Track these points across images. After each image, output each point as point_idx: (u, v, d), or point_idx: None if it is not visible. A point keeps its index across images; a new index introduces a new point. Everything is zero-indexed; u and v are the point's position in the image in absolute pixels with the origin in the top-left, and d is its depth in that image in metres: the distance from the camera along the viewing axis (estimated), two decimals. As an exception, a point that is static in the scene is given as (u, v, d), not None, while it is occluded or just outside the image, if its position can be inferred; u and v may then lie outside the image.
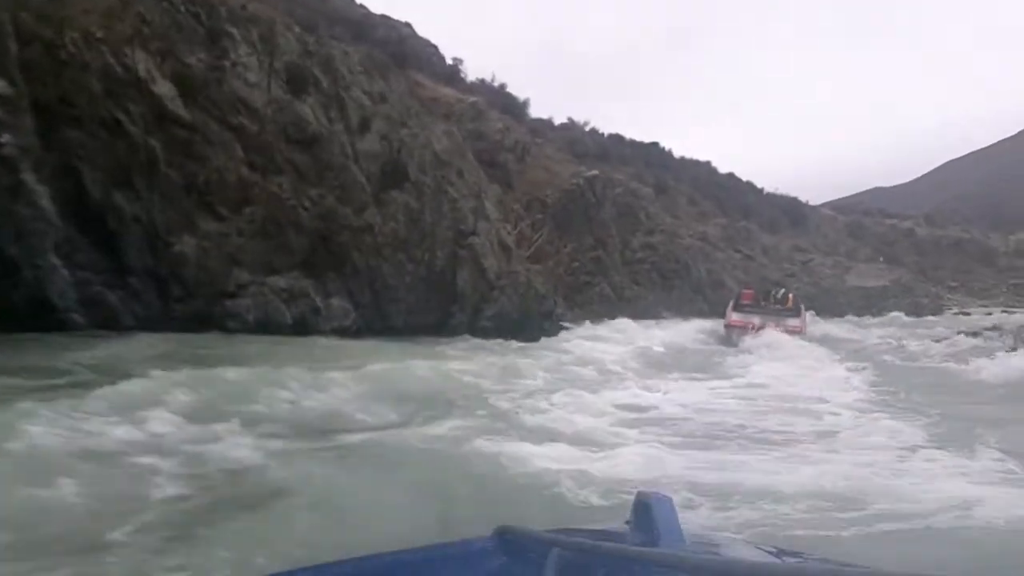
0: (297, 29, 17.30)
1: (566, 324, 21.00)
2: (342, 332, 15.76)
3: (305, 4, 23.05)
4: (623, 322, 23.80)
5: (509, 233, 19.48)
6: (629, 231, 32.93)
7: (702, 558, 1.31)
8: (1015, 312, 44.53)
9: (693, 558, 1.27)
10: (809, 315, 26.72)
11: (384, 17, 39.56)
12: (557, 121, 43.86)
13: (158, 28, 15.31)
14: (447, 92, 32.61)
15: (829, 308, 37.06)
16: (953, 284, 54.54)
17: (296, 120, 16.38)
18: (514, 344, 15.85)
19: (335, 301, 15.91)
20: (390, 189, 16.92)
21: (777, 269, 39.50)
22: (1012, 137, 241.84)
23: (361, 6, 39.86)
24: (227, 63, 15.81)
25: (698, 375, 13.98)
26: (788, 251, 46.15)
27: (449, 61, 37.66)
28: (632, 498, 1.78)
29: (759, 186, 57.86)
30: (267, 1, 17.83)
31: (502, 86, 38.40)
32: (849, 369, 15.50)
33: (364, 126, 16.98)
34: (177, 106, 15.09)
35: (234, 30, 16.15)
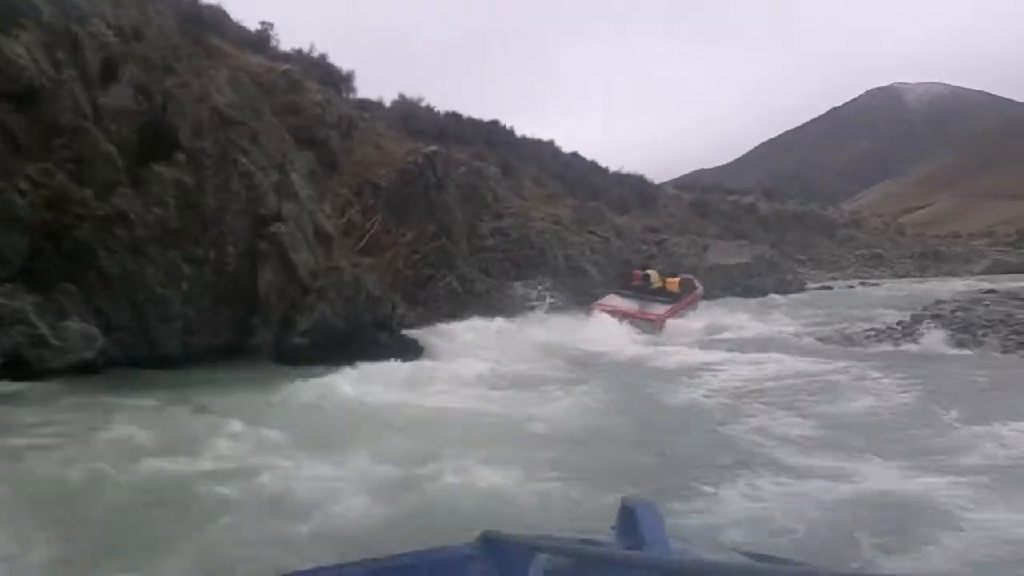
0: (-1, -65, 12.10)
1: (409, 332, 16.63)
2: (85, 369, 10.85)
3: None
4: (477, 323, 19.52)
5: (329, 217, 14.92)
6: (476, 215, 28.79)
7: (683, 561, 1.41)
8: (874, 283, 43.56)
9: (675, 562, 1.39)
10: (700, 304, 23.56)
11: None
12: (389, 101, 39.07)
13: None
14: (254, 60, 27.41)
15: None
16: (802, 258, 53.59)
17: (3, 65, 11.29)
18: (329, 380, 11.04)
19: (72, 324, 10.94)
20: (152, 161, 12.07)
21: (635, 251, 36.42)
22: (821, 116, 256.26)
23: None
24: None
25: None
26: (641, 231, 43.39)
27: (257, 26, 32.24)
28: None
29: (603, 165, 55.09)
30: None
31: (322, 56, 33.37)
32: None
33: (109, 73, 12.05)
34: None
35: None
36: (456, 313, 24.37)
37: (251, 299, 12.59)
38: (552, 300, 25.65)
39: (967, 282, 37.13)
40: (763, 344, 15.79)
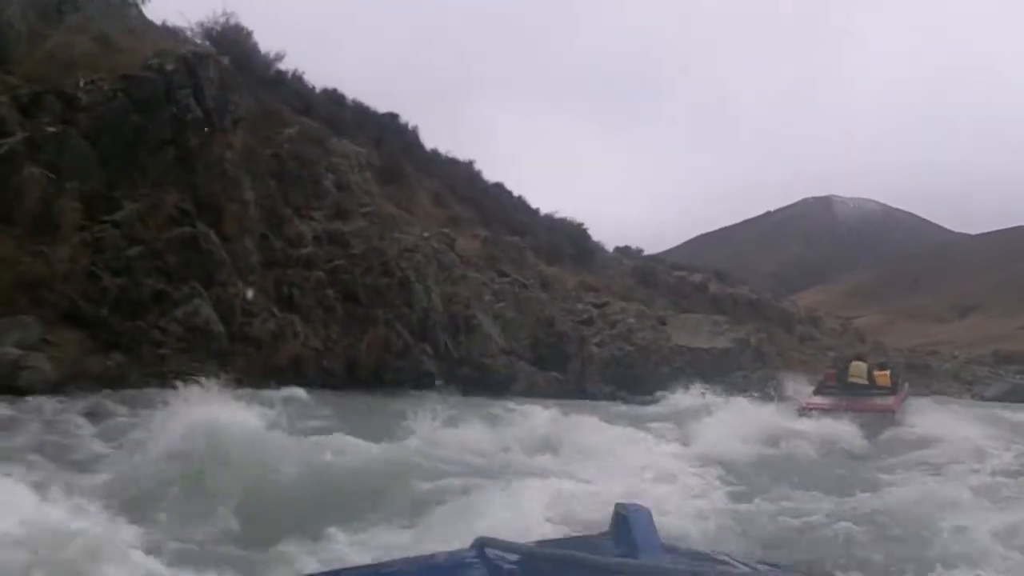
0: None
1: None
2: None
3: None
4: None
5: None
6: (298, 205, 16.27)
7: (678, 569, 1.38)
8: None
9: (669, 569, 1.37)
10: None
11: None
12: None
13: None
14: None
15: (648, 379, 22.09)
16: (767, 352, 42.04)
17: None
18: None
19: None
20: None
21: (564, 310, 24.17)
22: (757, 218, 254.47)
23: None
24: None
25: None
26: (575, 288, 31.32)
27: None
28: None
29: (534, 207, 43.30)
30: None
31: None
32: None
33: None
34: None
35: None
36: (194, 370, 11.80)
37: None
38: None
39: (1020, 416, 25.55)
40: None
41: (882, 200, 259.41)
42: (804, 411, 16.33)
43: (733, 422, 12.76)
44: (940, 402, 30.00)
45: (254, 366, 12.93)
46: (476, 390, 16.06)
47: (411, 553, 1.88)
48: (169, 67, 13.12)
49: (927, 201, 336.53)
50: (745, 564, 1.85)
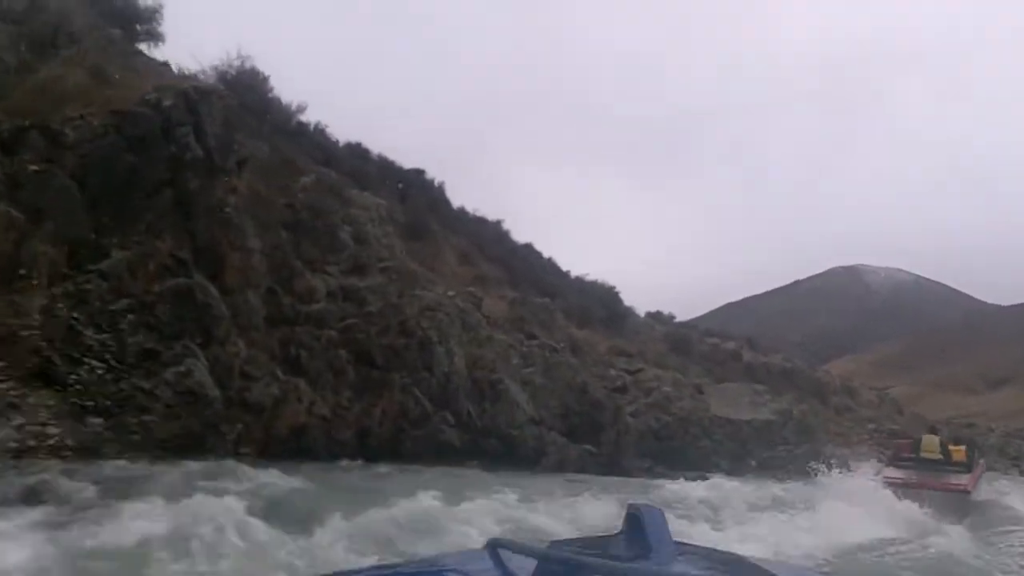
0: None
1: None
2: None
3: None
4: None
5: None
6: (308, 255, 14.93)
7: (693, 572, 1.50)
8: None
9: (683, 573, 1.47)
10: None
11: None
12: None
13: None
14: None
15: (687, 452, 20.38)
16: (812, 425, 39.98)
17: None
18: None
19: None
20: None
21: (596, 376, 22.55)
22: (784, 287, 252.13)
23: None
24: None
25: None
26: (607, 353, 29.70)
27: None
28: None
29: (564, 269, 41.80)
30: None
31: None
32: None
33: None
34: None
35: None
36: (181, 445, 10.38)
37: None
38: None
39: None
40: None
41: (913, 270, 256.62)
42: (886, 483, 15.11)
43: (794, 522, 10.99)
44: (988, 479, 28.03)
45: (252, 435, 11.43)
46: (502, 464, 14.43)
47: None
48: (167, 103, 11.90)
49: (959, 271, 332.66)
50: (759, 564, 1.80)
